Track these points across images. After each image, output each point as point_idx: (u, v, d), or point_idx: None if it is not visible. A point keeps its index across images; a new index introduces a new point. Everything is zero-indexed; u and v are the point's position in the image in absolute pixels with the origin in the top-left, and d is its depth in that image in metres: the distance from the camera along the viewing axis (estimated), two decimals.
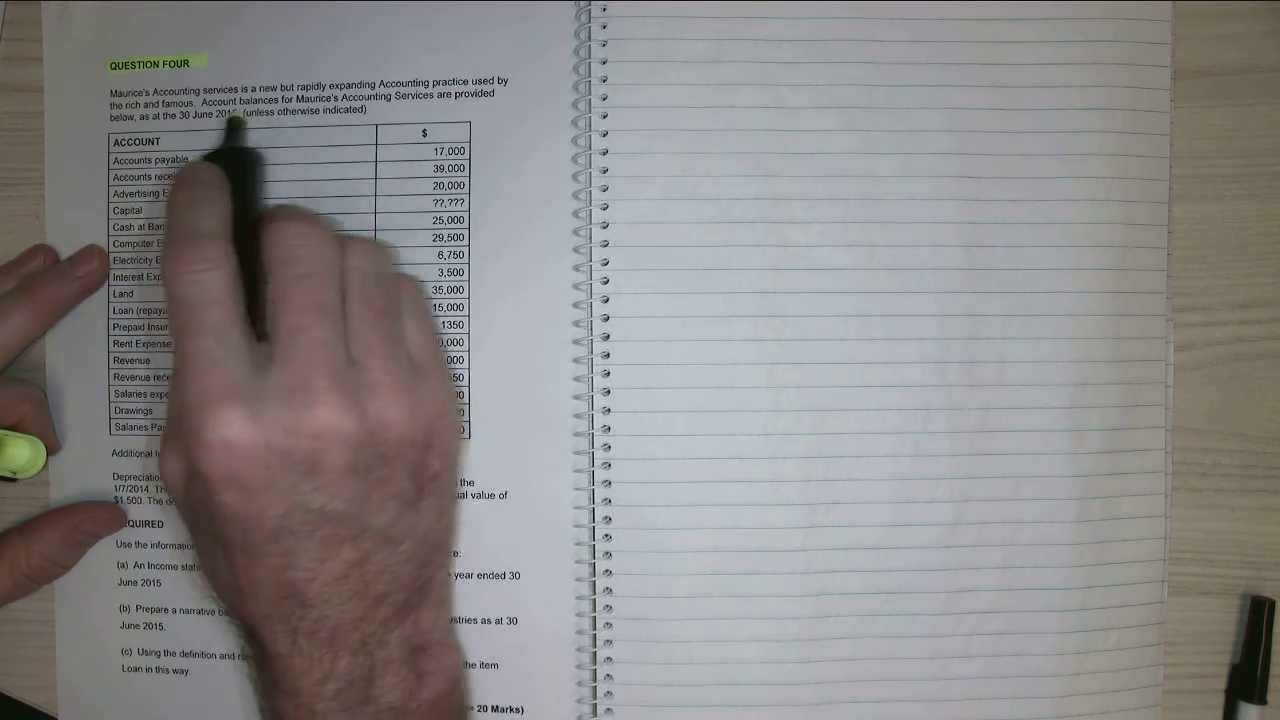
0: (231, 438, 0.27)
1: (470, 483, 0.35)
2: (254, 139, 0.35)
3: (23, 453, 0.34)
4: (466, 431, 0.35)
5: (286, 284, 0.29)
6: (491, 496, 0.35)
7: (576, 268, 0.35)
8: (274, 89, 0.36)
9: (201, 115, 0.36)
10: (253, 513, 0.27)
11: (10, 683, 0.36)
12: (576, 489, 0.35)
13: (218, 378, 0.27)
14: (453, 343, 0.35)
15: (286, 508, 0.28)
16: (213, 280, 0.28)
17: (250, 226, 0.31)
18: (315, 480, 0.28)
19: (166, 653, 0.35)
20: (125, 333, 0.36)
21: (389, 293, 0.31)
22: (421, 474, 0.30)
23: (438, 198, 0.35)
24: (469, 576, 0.35)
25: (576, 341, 0.35)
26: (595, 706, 0.35)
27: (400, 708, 0.30)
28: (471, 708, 0.35)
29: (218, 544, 0.29)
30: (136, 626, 0.36)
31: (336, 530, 0.28)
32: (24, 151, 0.36)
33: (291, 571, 0.28)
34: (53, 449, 0.35)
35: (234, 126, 0.35)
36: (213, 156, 0.33)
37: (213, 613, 0.35)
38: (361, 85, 0.35)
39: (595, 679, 0.35)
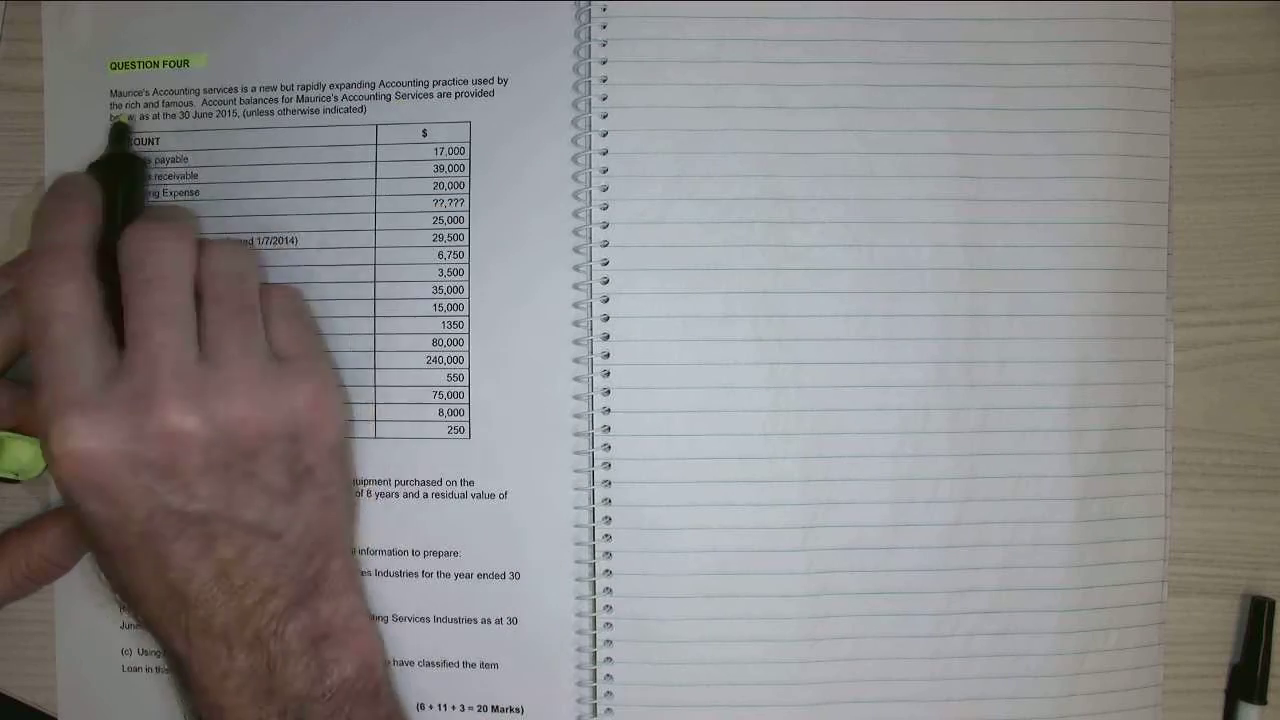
0: (77, 447, 0.27)
1: (470, 483, 0.35)
2: (252, 139, 0.35)
3: (24, 454, 0.34)
4: (467, 432, 0.35)
5: (133, 289, 0.29)
6: (491, 496, 0.35)
7: (576, 268, 0.35)
8: (274, 89, 0.36)
9: (201, 115, 0.36)
10: (116, 518, 0.28)
11: (10, 683, 0.36)
12: (576, 489, 0.35)
13: (60, 389, 0.28)
14: (453, 343, 0.35)
15: (148, 511, 0.28)
16: (61, 294, 0.29)
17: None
18: (172, 482, 0.28)
19: None
20: None
21: (246, 291, 0.31)
22: (295, 465, 0.31)
23: (438, 198, 0.35)
24: (469, 576, 0.35)
25: (576, 341, 0.35)
26: (595, 706, 0.35)
27: (307, 695, 0.30)
28: (395, 690, 0.35)
29: (100, 552, 0.30)
30: (136, 626, 0.36)
31: (204, 529, 0.29)
32: (24, 151, 0.36)
33: (169, 573, 0.29)
34: None
35: (118, 132, 0.35)
36: (93, 165, 0.34)
37: None
38: (361, 85, 0.35)
39: (595, 679, 0.35)
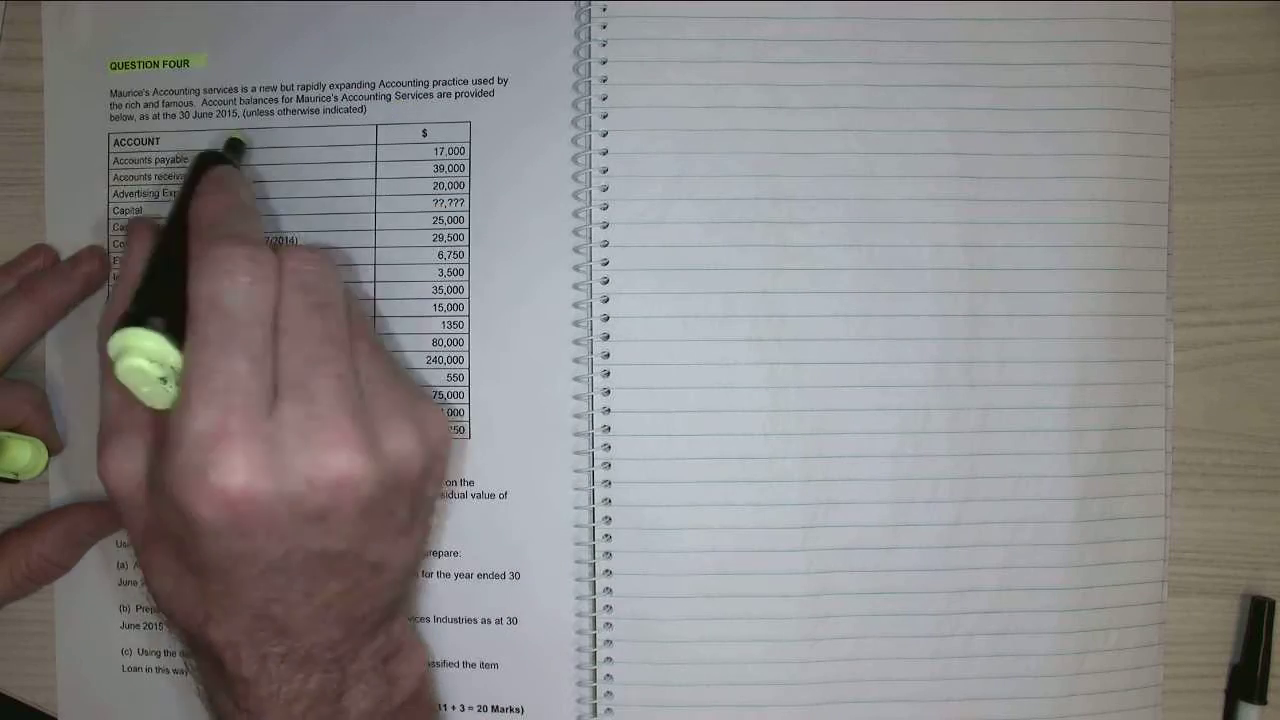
0: (241, 485, 0.24)
1: (470, 483, 0.35)
2: (255, 139, 0.35)
3: (24, 454, 0.34)
4: (467, 432, 0.35)
5: (302, 311, 0.27)
6: (491, 496, 0.35)
7: (576, 268, 0.35)
8: (274, 89, 0.36)
9: (201, 115, 0.36)
10: (245, 553, 0.25)
11: (10, 683, 0.36)
12: (576, 489, 0.35)
13: (238, 412, 0.24)
14: (453, 343, 0.35)
15: (285, 550, 0.26)
16: (263, 297, 0.26)
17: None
18: (323, 526, 0.26)
19: (166, 653, 0.35)
20: None
21: (363, 317, 0.30)
22: (419, 502, 0.29)
23: (438, 198, 0.35)
24: (469, 576, 0.35)
25: (576, 341, 0.35)
26: (595, 706, 0.35)
27: (372, 713, 0.29)
28: (441, 706, 0.34)
29: (186, 568, 0.27)
30: (136, 626, 0.36)
31: (330, 565, 0.27)
32: (24, 151, 0.36)
33: (275, 605, 0.26)
34: (54, 450, 0.35)
35: (236, 148, 0.34)
36: (216, 157, 0.33)
37: None
38: (361, 85, 0.35)
39: (595, 679, 0.35)
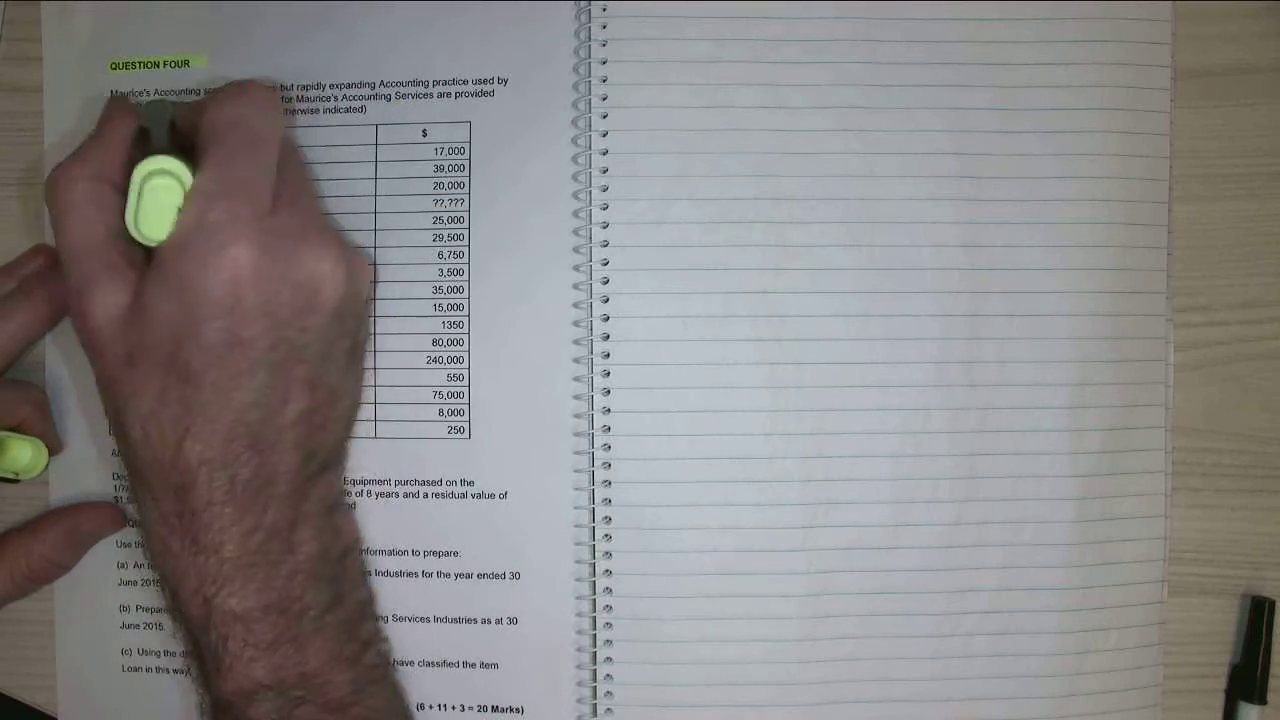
0: (253, 260, 0.28)
1: (470, 483, 0.35)
2: None
3: (24, 454, 0.34)
4: (467, 432, 0.35)
5: (291, 142, 0.32)
6: (491, 496, 0.35)
7: (576, 268, 0.35)
8: (273, 89, 0.36)
9: None
10: (242, 340, 0.28)
11: (10, 683, 0.36)
12: (576, 489, 0.35)
13: (250, 206, 0.28)
14: (453, 343, 0.35)
15: (274, 340, 0.29)
16: (277, 119, 0.31)
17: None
18: (307, 319, 0.29)
19: (166, 653, 0.35)
20: None
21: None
22: (361, 328, 0.33)
23: (438, 198, 0.35)
24: (469, 576, 0.35)
25: (576, 341, 0.35)
26: (595, 706, 0.35)
27: (320, 557, 0.30)
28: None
29: (174, 380, 0.28)
30: (136, 626, 0.36)
31: (303, 373, 0.30)
32: (24, 151, 0.36)
33: (255, 410, 0.29)
34: (55, 450, 0.35)
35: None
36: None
37: None
38: (361, 85, 0.36)
39: (595, 679, 0.35)
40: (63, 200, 0.29)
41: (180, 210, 0.29)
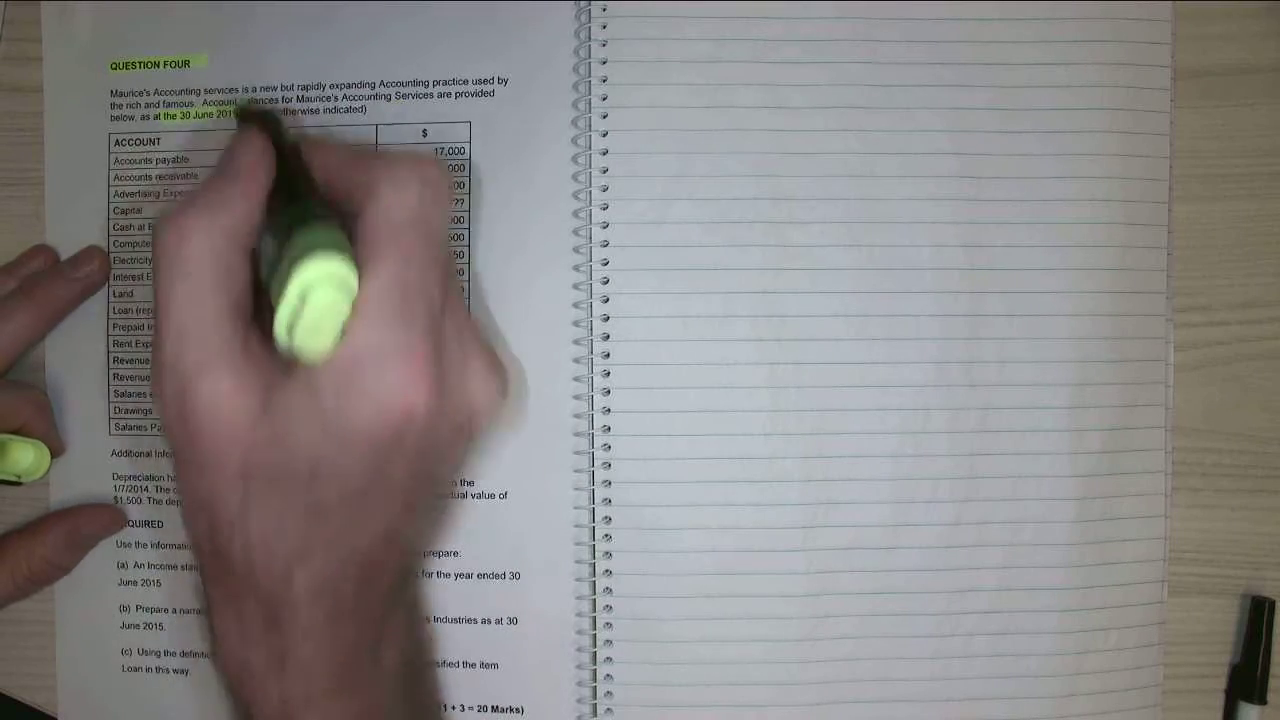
0: (424, 407, 0.24)
1: (470, 483, 0.35)
2: None
3: (27, 457, 0.34)
4: None
5: (440, 228, 0.26)
6: (491, 496, 0.35)
7: (576, 268, 0.35)
8: (274, 89, 0.36)
9: (201, 115, 0.36)
10: (387, 479, 0.25)
11: (10, 683, 0.36)
12: (576, 489, 0.35)
13: (427, 331, 0.24)
14: None
15: (415, 473, 0.25)
16: (436, 211, 0.26)
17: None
18: (453, 451, 0.27)
19: (166, 653, 0.35)
20: (125, 333, 0.36)
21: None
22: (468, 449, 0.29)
23: None
24: (469, 576, 0.35)
25: (576, 341, 0.35)
26: (595, 706, 0.35)
27: (403, 670, 0.29)
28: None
29: (297, 509, 0.25)
30: (136, 626, 0.36)
31: (416, 495, 0.26)
32: (24, 151, 0.36)
33: (375, 543, 0.26)
34: (57, 451, 0.35)
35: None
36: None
37: None
38: (361, 85, 0.35)
39: (595, 679, 0.35)
40: (183, 258, 0.24)
41: (344, 326, 0.24)
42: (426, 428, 0.24)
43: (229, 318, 0.24)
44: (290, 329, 0.23)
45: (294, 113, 0.35)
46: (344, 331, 0.24)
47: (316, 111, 0.35)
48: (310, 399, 0.24)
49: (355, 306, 0.24)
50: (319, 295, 0.23)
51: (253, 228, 0.25)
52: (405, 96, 0.35)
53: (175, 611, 0.36)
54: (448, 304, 0.26)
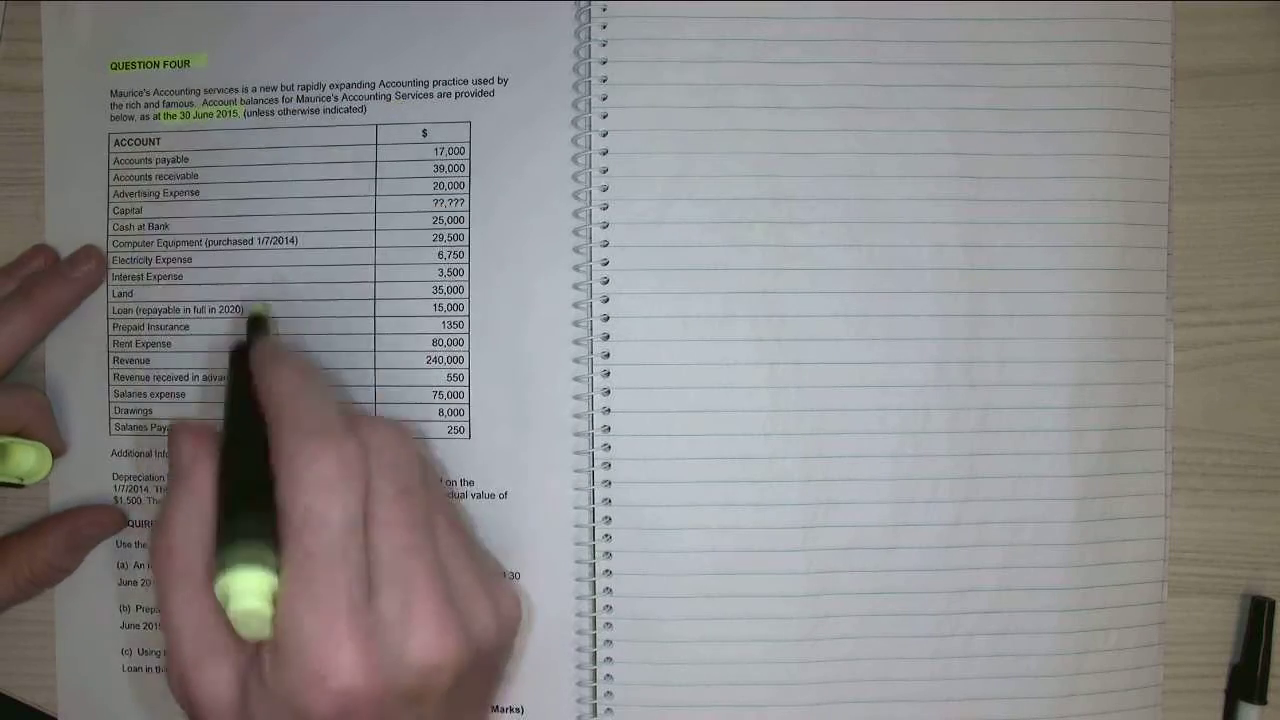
0: (361, 686, 0.25)
1: (470, 483, 0.35)
2: (252, 139, 0.35)
3: (29, 459, 0.34)
4: (467, 432, 0.35)
5: (391, 498, 0.27)
6: (491, 496, 0.35)
7: (576, 268, 0.35)
8: (274, 89, 0.36)
9: (201, 115, 0.36)
10: None
11: (10, 683, 0.36)
12: (576, 489, 0.35)
13: (344, 616, 0.25)
14: (453, 343, 0.35)
15: None
16: (355, 500, 0.26)
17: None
18: (418, 708, 0.26)
19: (166, 653, 0.35)
20: (125, 333, 0.36)
21: (439, 485, 0.30)
22: (493, 675, 0.30)
23: (438, 198, 0.35)
24: None
25: (576, 341, 0.35)
26: (595, 706, 0.35)
27: None
28: None
29: None
30: (136, 626, 0.36)
31: None
32: (24, 151, 0.36)
33: None
34: (58, 452, 0.35)
35: (261, 324, 0.33)
36: (247, 343, 0.31)
37: None
38: (361, 85, 0.35)
39: (595, 679, 0.35)
40: (165, 579, 0.27)
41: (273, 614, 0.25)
42: (365, 704, 0.25)
43: (210, 614, 0.26)
44: (235, 622, 0.25)
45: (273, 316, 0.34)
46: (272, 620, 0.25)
47: (316, 111, 0.35)
48: (261, 686, 0.25)
49: (275, 598, 0.25)
50: (237, 603, 0.25)
51: (210, 523, 0.27)
52: (405, 96, 0.35)
53: None
54: (383, 572, 0.26)
